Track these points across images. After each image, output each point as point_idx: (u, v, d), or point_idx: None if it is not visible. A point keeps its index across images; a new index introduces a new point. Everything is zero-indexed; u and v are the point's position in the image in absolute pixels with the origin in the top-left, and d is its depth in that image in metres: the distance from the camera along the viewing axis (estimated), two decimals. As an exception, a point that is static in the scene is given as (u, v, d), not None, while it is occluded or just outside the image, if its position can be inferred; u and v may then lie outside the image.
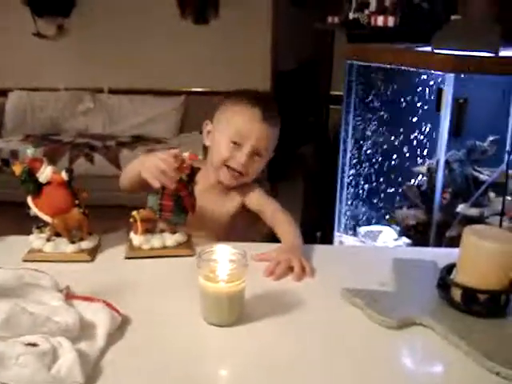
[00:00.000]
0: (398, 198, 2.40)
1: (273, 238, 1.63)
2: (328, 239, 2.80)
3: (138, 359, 0.98)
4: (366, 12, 2.80)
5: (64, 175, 1.34)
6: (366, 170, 2.57)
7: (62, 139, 5.11)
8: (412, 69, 2.10)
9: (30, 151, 1.37)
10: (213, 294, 1.08)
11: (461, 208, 2.05)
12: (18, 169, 1.33)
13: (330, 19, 3.58)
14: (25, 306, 0.98)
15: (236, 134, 1.60)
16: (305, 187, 3.99)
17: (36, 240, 1.39)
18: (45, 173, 1.34)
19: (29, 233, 1.44)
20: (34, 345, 0.92)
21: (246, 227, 1.76)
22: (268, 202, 1.66)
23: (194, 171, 1.41)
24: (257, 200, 1.67)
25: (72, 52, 5.47)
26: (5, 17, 5.33)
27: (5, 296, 1.03)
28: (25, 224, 1.46)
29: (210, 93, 5.34)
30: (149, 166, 1.39)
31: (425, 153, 2.28)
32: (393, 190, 2.45)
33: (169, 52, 5.39)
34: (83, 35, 5.45)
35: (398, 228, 2.38)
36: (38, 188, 1.35)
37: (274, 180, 3.65)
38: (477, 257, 1.11)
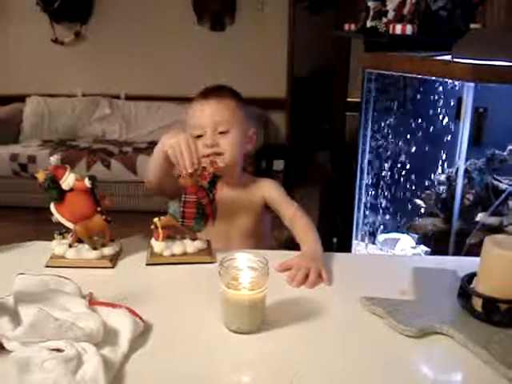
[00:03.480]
0: (416, 205, 2.39)
1: (292, 241, 1.65)
2: (345, 246, 2.80)
3: (161, 364, 0.99)
4: (384, 20, 2.80)
5: (87, 182, 1.35)
6: (384, 177, 2.57)
7: (79, 145, 5.14)
8: (431, 77, 2.10)
9: (53, 159, 1.38)
10: (235, 301, 1.09)
11: (480, 217, 2.04)
12: (41, 176, 1.35)
13: (347, 27, 3.58)
14: (50, 312, 0.99)
15: (194, 129, 1.65)
16: (321, 193, 3.99)
17: (58, 246, 1.41)
18: (67, 180, 1.35)
19: (50, 237, 1.46)
20: (59, 350, 0.93)
21: (271, 230, 1.81)
22: (288, 203, 1.68)
23: (215, 179, 1.42)
24: (277, 197, 1.70)
25: (89, 58, 5.52)
26: (24, 23, 5.40)
27: (30, 302, 1.04)
28: (45, 229, 1.48)
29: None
30: (171, 143, 1.43)
31: (444, 161, 2.27)
32: (411, 197, 2.45)
33: (185, 58, 5.42)
34: (100, 42, 5.50)
35: (416, 236, 2.38)
36: (60, 195, 1.37)
37: (290, 186, 3.66)
38: (497, 266, 1.11)
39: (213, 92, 1.69)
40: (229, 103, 1.67)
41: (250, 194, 1.73)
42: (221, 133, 1.64)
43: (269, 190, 1.72)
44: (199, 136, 1.64)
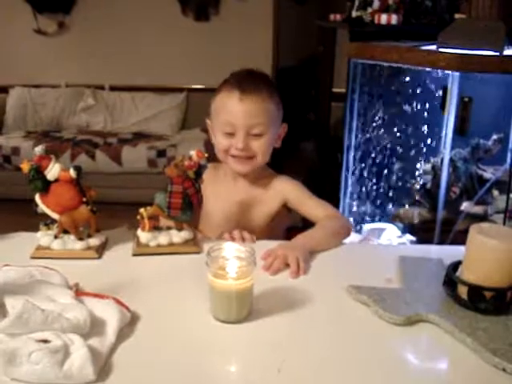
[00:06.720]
0: (402, 195, 2.40)
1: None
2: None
3: (148, 355, 0.99)
4: (369, 10, 2.81)
5: (72, 173, 1.34)
6: (370, 167, 2.58)
7: (63, 136, 5.10)
8: (417, 67, 2.10)
9: (38, 149, 1.37)
10: (222, 291, 1.09)
11: (465, 206, 2.06)
12: (26, 167, 1.34)
13: (332, 17, 3.58)
14: (36, 303, 0.98)
15: (225, 125, 1.58)
16: (307, 183, 3.99)
17: (44, 237, 1.40)
18: (53, 170, 1.34)
19: (34, 229, 1.44)
20: (46, 341, 0.92)
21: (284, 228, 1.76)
22: (318, 204, 1.63)
23: (201, 168, 1.41)
24: (298, 196, 1.65)
25: (73, 49, 5.46)
26: (6, 14, 5.33)
27: (16, 293, 1.04)
28: (29, 220, 1.47)
29: (211, 89, 5.33)
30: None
31: (429, 151, 2.28)
32: (397, 187, 2.46)
33: (170, 49, 5.38)
34: (84, 32, 5.44)
35: (401, 225, 2.39)
36: (45, 185, 1.35)
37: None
38: (483, 254, 1.12)
39: (250, 87, 1.56)
40: (267, 105, 1.57)
41: (266, 190, 1.67)
42: (254, 135, 1.56)
43: (288, 191, 1.66)
44: (229, 133, 1.57)
